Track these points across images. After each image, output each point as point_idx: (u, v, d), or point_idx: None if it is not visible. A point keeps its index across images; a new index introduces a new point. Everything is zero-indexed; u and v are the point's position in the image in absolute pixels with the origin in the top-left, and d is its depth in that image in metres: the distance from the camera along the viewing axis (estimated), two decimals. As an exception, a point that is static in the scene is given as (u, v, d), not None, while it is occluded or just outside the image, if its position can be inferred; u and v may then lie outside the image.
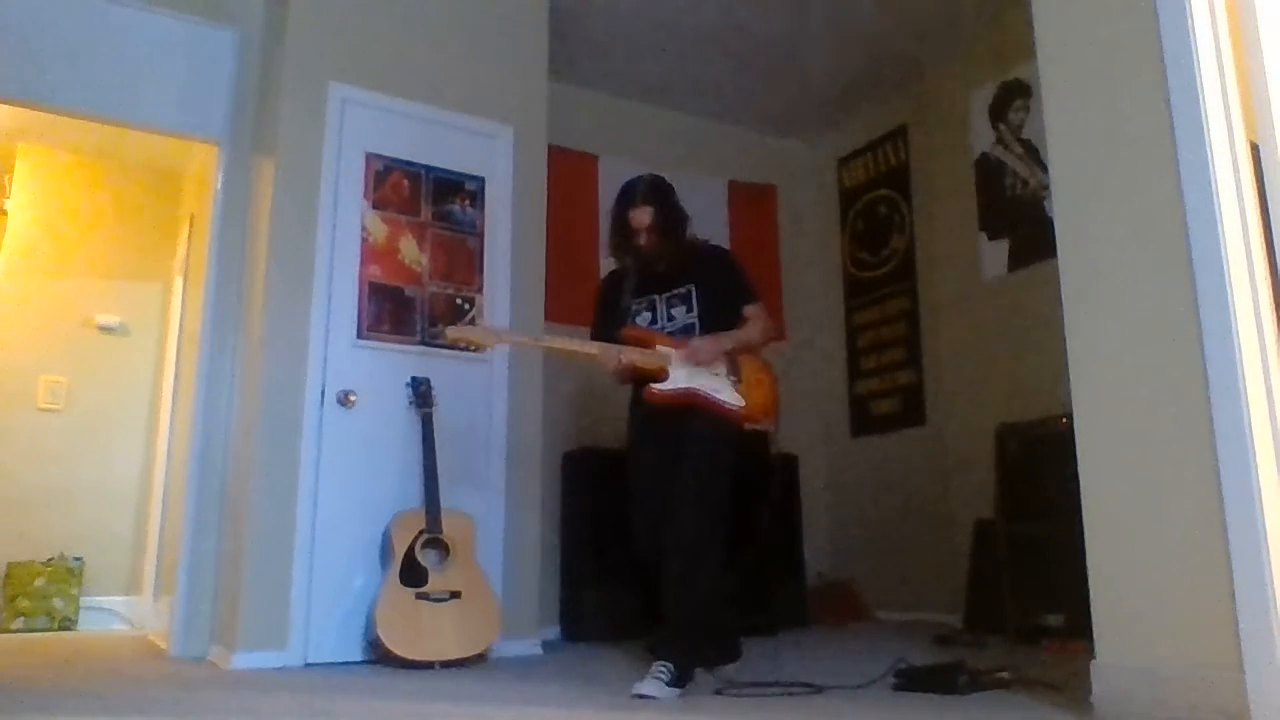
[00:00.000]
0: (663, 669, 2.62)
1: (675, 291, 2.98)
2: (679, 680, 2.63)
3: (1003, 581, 3.86)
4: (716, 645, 2.95)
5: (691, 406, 2.84)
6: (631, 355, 2.85)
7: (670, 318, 2.97)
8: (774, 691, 2.64)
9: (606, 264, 5.05)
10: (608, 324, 3.03)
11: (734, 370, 2.89)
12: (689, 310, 2.95)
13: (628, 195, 2.99)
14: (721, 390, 2.85)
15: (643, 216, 2.94)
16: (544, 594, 3.97)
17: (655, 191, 2.98)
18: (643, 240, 2.95)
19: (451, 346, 3.65)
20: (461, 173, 3.98)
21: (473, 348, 3.39)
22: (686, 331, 2.93)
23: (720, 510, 2.80)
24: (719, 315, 2.94)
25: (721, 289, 2.99)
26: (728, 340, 2.89)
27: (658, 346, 2.87)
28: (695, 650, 2.75)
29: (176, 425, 4.74)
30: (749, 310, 2.99)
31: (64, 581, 4.95)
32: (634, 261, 3.01)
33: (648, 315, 3.00)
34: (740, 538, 2.95)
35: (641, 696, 2.56)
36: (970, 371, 4.80)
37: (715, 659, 2.93)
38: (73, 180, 5.50)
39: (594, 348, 2.90)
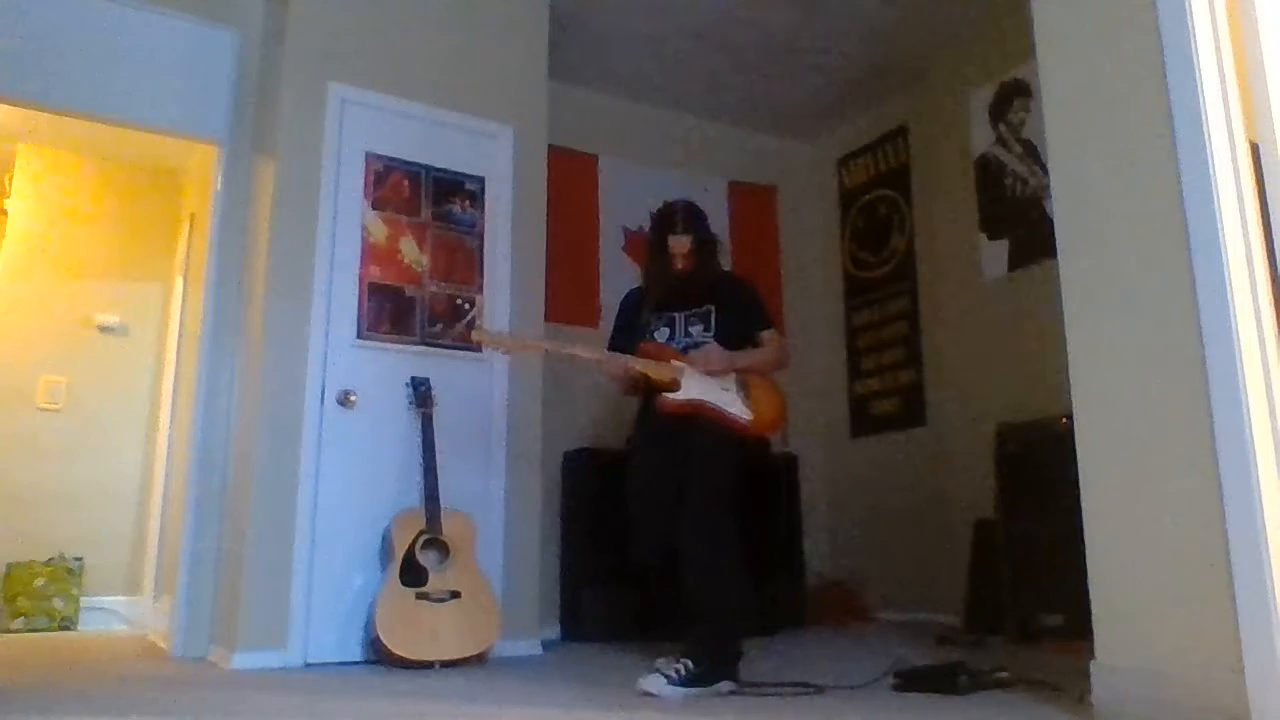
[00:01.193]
0: (680, 666, 2.61)
1: (695, 310, 3.09)
2: (697, 679, 2.60)
3: (1003, 581, 3.86)
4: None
5: (698, 416, 2.92)
6: (638, 365, 2.97)
7: (688, 334, 3.08)
8: (774, 692, 2.63)
9: (607, 264, 5.14)
10: (626, 337, 3.15)
11: (743, 386, 2.99)
12: (706, 329, 3.06)
13: (669, 221, 3.13)
14: (731, 404, 2.94)
15: (682, 244, 3.09)
16: (544, 594, 3.97)
17: (694, 219, 3.14)
18: (679, 265, 3.09)
19: (456, 346, 3.80)
20: (461, 173, 3.98)
21: (503, 350, 3.56)
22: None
23: (728, 513, 2.83)
24: (734, 337, 3.05)
25: (740, 313, 3.12)
26: (741, 357, 3.01)
27: (672, 361, 2.98)
28: (725, 648, 2.72)
29: (176, 425, 4.74)
30: (764, 335, 3.12)
31: (64, 581, 4.95)
32: (665, 282, 3.13)
33: (666, 330, 3.10)
34: (747, 542, 2.95)
35: (645, 694, 2.56)
36: (970, 371, 4.80)
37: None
38: (73, 180, 5.50)
39: (605, 355, 3.06)
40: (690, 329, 3.08)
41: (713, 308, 3.08)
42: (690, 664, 2.61)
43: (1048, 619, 3.58)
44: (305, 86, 3.69)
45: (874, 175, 5.60)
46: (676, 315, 3.11)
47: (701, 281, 3.11)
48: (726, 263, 3.43)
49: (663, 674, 2.61)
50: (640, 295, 3.25)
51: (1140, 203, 2.27)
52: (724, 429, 2.92)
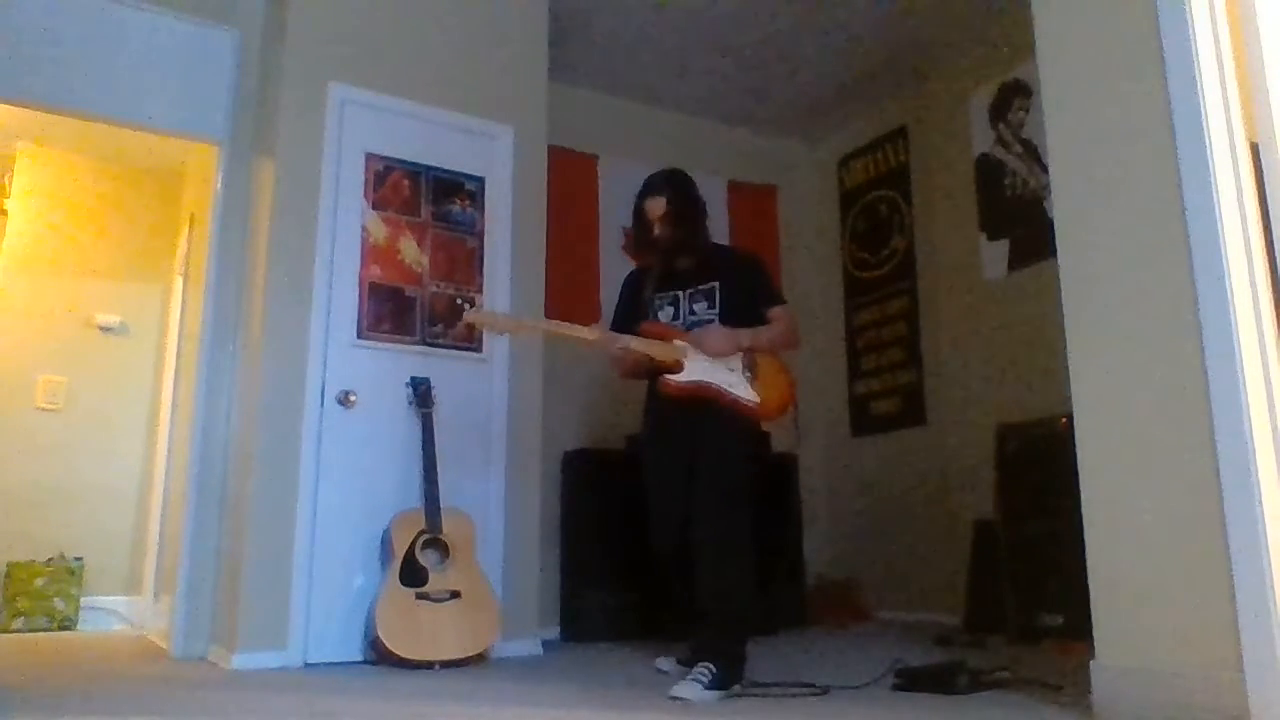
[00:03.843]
0: (704, 671, 2.57)
1: (699, 288, 2.98)
2: (722, 682, 2.57)
3: (1003, 581, 3.86)
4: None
5: (706, 401, 2.82)
6: (637, 345, 2.84)
7: (692, 312, 2.97)
8: (775, 692, 2.63)
9: (607, 264, 5.14)
10: (628, 318, 3.04)
11: (750, 367, 2.88)
12: (710, 307, 2.95)
13: (644, 187, 3.03)
14: (737, 386, 2.84)
15: (656, 206, 2.97)
16: (544, 594, 3.97)
17: (669, 181, 3.02)
18: (657, 231, 2.97)
19: (456, 346, 3.79)
20: (461, 173, 3.98)
21: (497, 332, 3.39)
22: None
23: (743, 504, 2.77)
24: (740, 315, 2.94)
25: (746, 289, 3.00)
26: (745, 336, 2.89)
27: (675, 341, 2.87)
28: (738, 649, 2.68)
29: (176, 425, 4.74)
30: (773, 312, 3.00)
31: (64, 581, 4.95)
32: (656, 256, 3.02)
33: (670, 310, 3.00)
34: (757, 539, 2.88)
35: (677, 699, 2.50)
36: (970, 371, 4.80)
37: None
38: (73, 180, 5.50)
39: (602, 336, 2.90)
40: (694, 307, 2.96)
41: (717, 284, 2.96)
42: (711, 668, 2.58)
43: (1048, 619, 3.58)
44: (305, 86, 3.68)
45: (874, 175, 5.60)
46: (680, 294, 2.99)
47: (695, 252, 2.98)
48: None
49: (695, 680, 2.54)
50: (641, 275, 3.14)
51: (1140, 203, 2.27)
52: (733, 416, 2.82)
